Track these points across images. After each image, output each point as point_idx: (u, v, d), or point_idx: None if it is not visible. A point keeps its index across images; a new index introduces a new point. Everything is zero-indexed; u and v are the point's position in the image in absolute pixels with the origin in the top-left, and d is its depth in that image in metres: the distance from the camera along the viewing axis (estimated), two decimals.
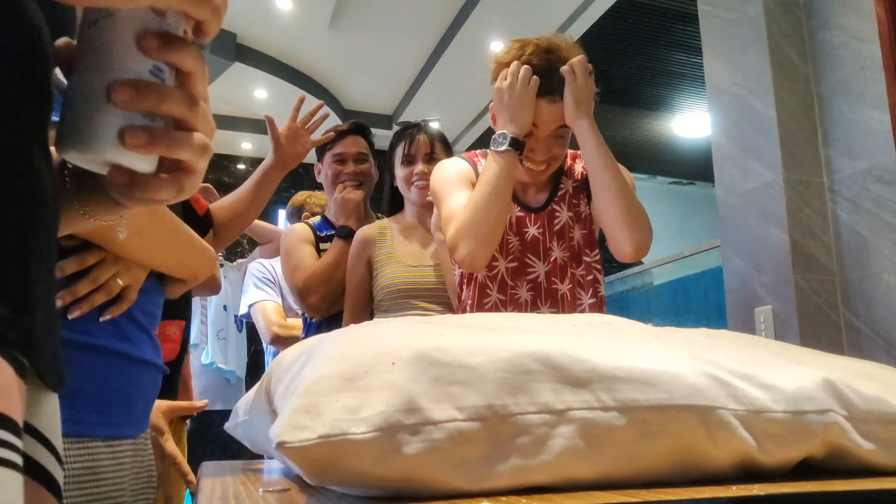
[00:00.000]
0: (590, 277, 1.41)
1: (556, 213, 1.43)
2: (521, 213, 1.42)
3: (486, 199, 1.28)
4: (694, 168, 6.92)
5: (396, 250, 1.77)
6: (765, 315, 2.11)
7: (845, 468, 0.57)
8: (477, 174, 1.39)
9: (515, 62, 1.31)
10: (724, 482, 0.51)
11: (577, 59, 1.31)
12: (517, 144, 1.29)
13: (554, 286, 1.39)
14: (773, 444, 0.53)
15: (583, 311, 1.39)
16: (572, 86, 1.30)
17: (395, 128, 1.95)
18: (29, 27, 0.40)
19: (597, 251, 1.44)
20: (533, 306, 1.38)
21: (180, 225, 0.92)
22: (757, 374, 0.55)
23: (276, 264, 2.53)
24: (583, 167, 1.46)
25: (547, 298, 1.39)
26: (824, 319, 2.04)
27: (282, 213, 5.21)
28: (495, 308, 1.38)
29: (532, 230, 1.41)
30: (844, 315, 2.05)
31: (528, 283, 1.39)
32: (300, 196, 2.70)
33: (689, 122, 6.02)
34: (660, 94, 5.56)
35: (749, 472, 0.54)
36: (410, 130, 1.85)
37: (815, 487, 0.49)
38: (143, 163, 0.43)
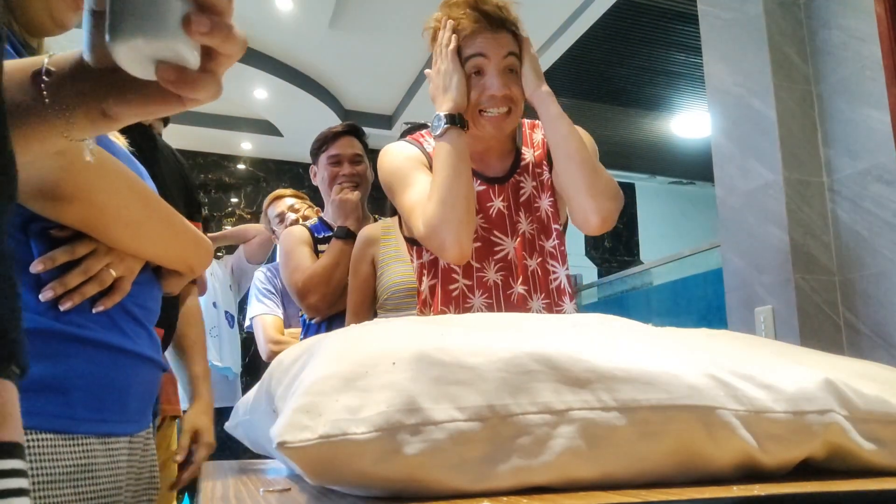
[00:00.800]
0: (563, 248, 1.33)
1: (521, 184, 1.36)
2: (483, 187, 1.35)
3: (447, 183, 1.21)
4: (694, 168, 6.92)
5: (402, 249, 1.76)
6: (765, 315, 2.11)
7: (846, 468, 0.57)
8: (426, 155, 1.34)
9: (439, 44, 1.30)
10: (725, 482, 0.51)
11: (527, 36, 1.32)
12: (453, 120, 1.24)
13: (524, 261, 1.32)
14: (774, 444, 0.53)
15: (559, 284, 1.33)
16: (529, 56, 1.29)
17: (403, 126, 1.94)
18: None
19: (566, 219, 1.38)
20: (505, 287, 1.31)
21: (174, 215, 0.89)
22: (757, 375, 0.55)
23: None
24: (543, 135, 1.41)
25: (519, 275, 1.31)
26: (824, 319, 2.04)
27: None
28: (462, 295, 1.31)
29: (497, 203, 1.35)
30: (844, 315, 2.05)
31: (496, 262, 1.31)
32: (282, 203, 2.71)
33: (688, 122, 6.02)
34: (660, 94, 5.55)
35: (750, 473, 0.54)
36: (421, 129, 1.85)
37: (816, 488, 0.49)
38: (193, 57, 0.44)
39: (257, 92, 5.32)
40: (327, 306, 1.91)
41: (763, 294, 2.13)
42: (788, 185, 2.08)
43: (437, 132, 1.26)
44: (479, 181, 1.35)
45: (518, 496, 0.48)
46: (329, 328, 1.90)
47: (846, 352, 2.00)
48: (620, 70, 5.13)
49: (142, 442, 0.92)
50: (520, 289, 1.31)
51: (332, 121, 5.11)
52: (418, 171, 1.30)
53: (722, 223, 2.32)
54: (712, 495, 0.46)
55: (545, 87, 1.28)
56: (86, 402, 0.78)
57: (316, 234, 2.05)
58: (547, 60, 4.58)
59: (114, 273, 0.80)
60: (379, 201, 2.06)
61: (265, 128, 5.98)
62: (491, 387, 0.50)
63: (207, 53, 0.46)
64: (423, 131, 1.43)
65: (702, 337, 0.73)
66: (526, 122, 1.42)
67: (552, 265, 1.33)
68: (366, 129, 2.20)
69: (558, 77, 4.93)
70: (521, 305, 1.30)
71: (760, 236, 2.15)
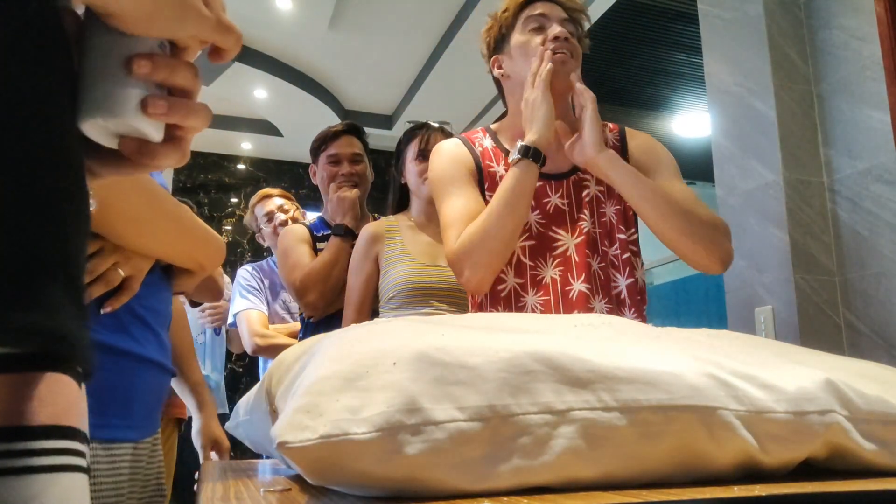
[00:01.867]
0: (625, 256, 1.28)
1: (585, 183, 1.32)
2: (540, 183, 1.28)
3: (495, 216, 1.18)
4: (694, 168, 6.90)
5: (409, 248, 1.75)
6: (765, 315, 2.11)
7: (847, 469, 0.57)
8: (473, 156, 1.33)
9: (532, 73, 1.27)
10: (726, 483, 0.51)
11: (592, 95, 1.30)
12: (526, 152, 1.20)
13: (587, 259, 1.26)
14: (775, 444, 0.53)
15: (619, 293, 1.28)
16: (594, 117, 1.28)
17: (406, 125, 1.94)
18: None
19: (633, 230, 1.32)
20: (564, 283, 1.25)
21: (183, 211, 0.87)
22: (758, 375, 0.55)
23: (264, 266, 2.55)
24: (615, 139, 1.39)
25: (581, 272, 1.25)
26: (824, 319, 2.04)
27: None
28: (514, 294, 1.27)
29: (554, 199, 1.30)
30: (844, 315, 2.05)
31: (554, 259, 1.27)
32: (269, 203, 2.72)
33: (689, 122, 6.02)
34: (660, 94, 5.55)
35: (751, 473, 0.54)
36: (424, 129, 1.85)
37: (817, 488, 0.49)
38: (155, 131, 0.48)
39: (257, 92, 5.32)
40: (325, 304, 1.91)
41: (763, 294, 2.13)
42: (788, 185, 2.08)
43: (511, 160, 1.23)
44: None
45: (518, 496, 0.48)
46: (328, 327, 1.90)
47: (846, 352, 2.00)
48: (620, 70, 5.13)
49: (148, 448, 0.91)
50: (580, 286, 1.26)
51: (332, 121, 5.11)
52: (462, 182, 1.29)
53: None
54: (713, 495, 0.46)
55: (610, 151, 1.26)
56: (88, 406, 0.77)
57: (315, 233, 2.05)
58: None
59: (122, 273, 0.77)
60: (379, 201, 2.06)
61: (265, 128, 5.99)
62: (492, 387, 0.50)
63: (173, 125, 0.49)
64: (481, 128, 1.42)
65: (702, 337, 0.73)
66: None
67: (613, 273, 1.29)
68: (366, 129, 2.20)
69: None
70: (581, 304, 1.25)
71: (760, 236, 2.15)
